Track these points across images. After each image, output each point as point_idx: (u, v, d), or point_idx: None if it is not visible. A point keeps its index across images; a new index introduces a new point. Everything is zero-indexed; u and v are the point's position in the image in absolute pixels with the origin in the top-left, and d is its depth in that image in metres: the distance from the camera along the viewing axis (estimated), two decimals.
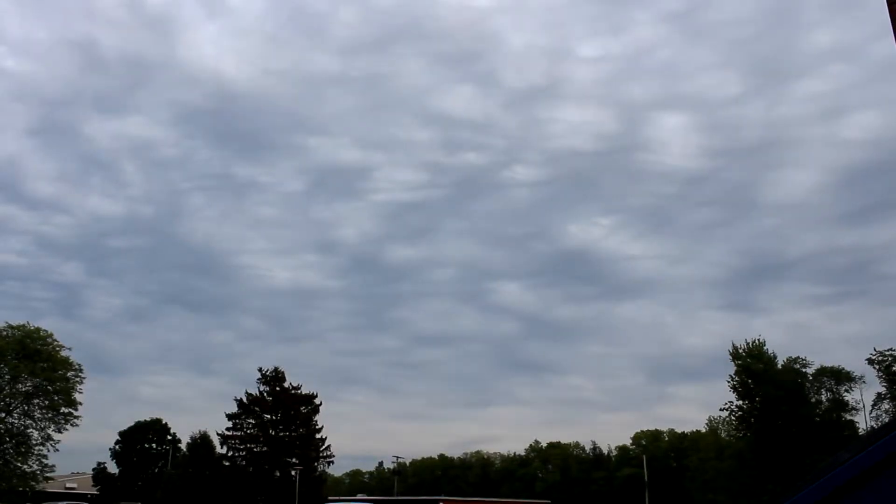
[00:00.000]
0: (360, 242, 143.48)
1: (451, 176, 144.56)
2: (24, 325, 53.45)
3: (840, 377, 63.41)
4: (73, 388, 52.81)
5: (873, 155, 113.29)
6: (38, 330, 53.51)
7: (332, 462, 71.72)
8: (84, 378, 54.17)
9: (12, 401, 52.07)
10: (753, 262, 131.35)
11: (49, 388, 51.99)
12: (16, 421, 52.22)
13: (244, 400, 68.01)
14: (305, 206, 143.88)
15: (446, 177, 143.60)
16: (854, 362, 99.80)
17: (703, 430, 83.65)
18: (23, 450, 51.32)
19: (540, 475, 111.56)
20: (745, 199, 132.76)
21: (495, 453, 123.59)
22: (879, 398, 59.16)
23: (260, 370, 68.94)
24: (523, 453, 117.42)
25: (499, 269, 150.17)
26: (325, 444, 68.92)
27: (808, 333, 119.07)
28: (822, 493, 5.07)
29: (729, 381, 63.48)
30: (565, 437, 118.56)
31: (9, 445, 51.23)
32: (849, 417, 62.61)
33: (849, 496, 4.96)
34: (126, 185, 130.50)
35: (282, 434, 67.31)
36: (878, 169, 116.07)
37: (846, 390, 63.26)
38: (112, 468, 73.63)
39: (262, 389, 68.21)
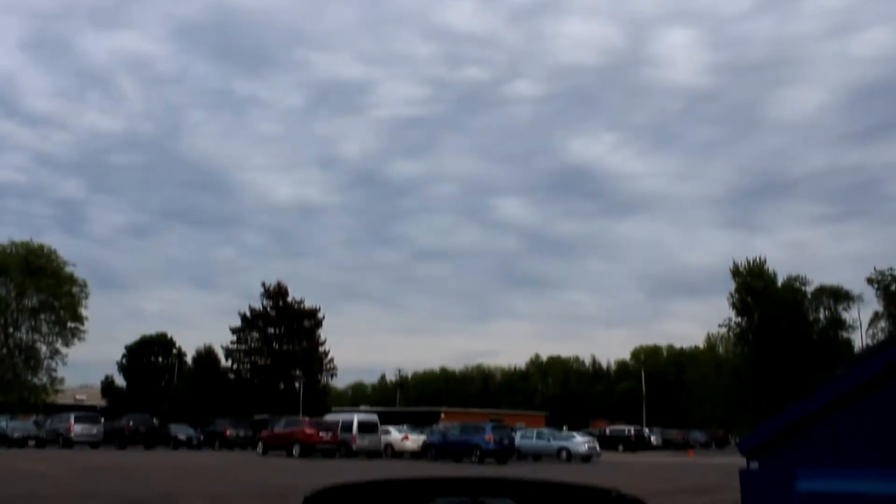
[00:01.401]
0: (362, 158, 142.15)
1: (453, 91, 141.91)
2: (27, 242, 53.68)
3: (839, 296, 63.82)
4: (78, 303, 53.46)
5: (882, 73, 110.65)
6: (41, 247, 53.79)
7: (336, 375, 73.15)
8: (89, 293, 54.76)
9: (19, 316, 52.79)
10: (756, 181, 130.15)
11: (55, 303, 52.61)
12: (24, 336, 53.12)
13: (247, 314, 68.82)
14: (306, 121, 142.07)
15: (448, 92, 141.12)
16: (854, 282, 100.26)
17: (702, 347, 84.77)
18: (32, 363, 52.37)
19: (539, 388, 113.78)
20: (750, 117, 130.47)
21: (496, 366, 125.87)
22: (876, 317, 59.70)
23: (263, 285, 69.55)
24: (523, 367, 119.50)
25: (500, 184, 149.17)
26: (329, 357, 70.13)
27: (809, 252, 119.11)
28: (816, 406, 5.00)
29: (728, 299, 64.07)
30: (565, 352, 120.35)
31: (18, 359, 52.22)
32: (845, 335, 63.37)
33: (843, 410, 4.89)
34: (124, 101, 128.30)
35: (285, 348, 68.36)
36: (886, 88, 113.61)
37: (844, 309, 63.83)
38: (120, 381, 75.11)
39: (265, 304, 68.96)
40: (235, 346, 68.58)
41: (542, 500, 2.84)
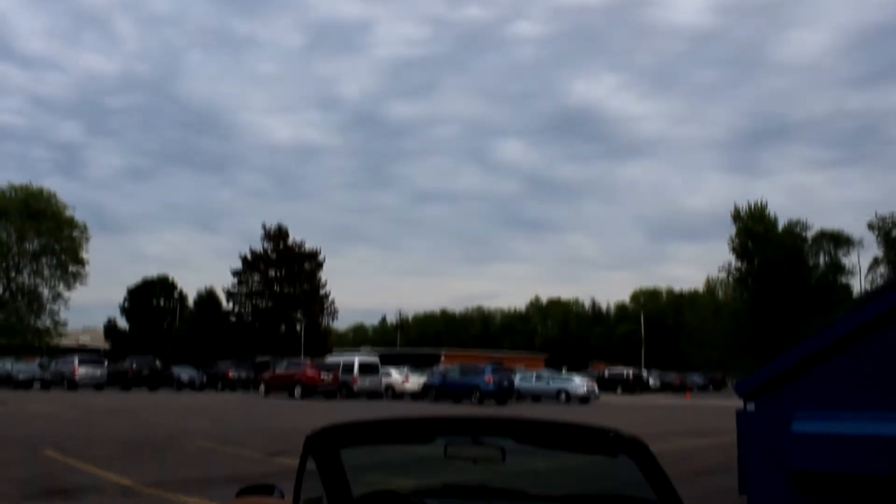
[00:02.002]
0: (361, 99, 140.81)
1: (454, 31, 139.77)
2: (26, 186, 53.52)
3: (839, 241, 63.86)
4: (79, 246, 53.57)
5: (889, 14, 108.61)
6: (40, 190, 53.67)
7: (336, 316, 73.72)
8: (89, 237, 54.83)
9: (21, 260, 52.95)
10: (759, 124, 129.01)
11: (56, 246, 52.72)
12: (26, 279, 53.38)
13: (248, 257, 69.04)
14: (305, 62, 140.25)
15: (449, 31, 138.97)
16: (854, 227, 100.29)
17: (701, 291, 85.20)
18: (35, 307, 52.70)
19: (539, 330, 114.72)
20: (754, 59, 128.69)
21: (496, 309, 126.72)
22: (876, 262, 59.80)
23: (263, 227, 69.62)
24: (523, 309, 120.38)
25: (501, 126, 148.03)
26: (329, 299, 70.58)
27: (811, 197, 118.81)
28: (814, 350, 5.07)
29: (729, 243, 64.19)
30: (565, 294, 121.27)
31: (21, 303, 52.54)
32: (845, 281, 63.60)
33: (841, 353, 4.96)
34: (120, 42, 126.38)
35: (286, 290, 68.72)
36: (893, 30, 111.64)
37: (844, 254, 63.93)
38: (122, 324, 75.75)
39: (265, 246, 69.13)
40: (236, 288, 68.98)
41: (542, 439, 2.87)
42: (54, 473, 10.24)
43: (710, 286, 78.43)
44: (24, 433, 15.23)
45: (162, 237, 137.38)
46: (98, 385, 38.78)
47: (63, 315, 53.61)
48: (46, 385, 39.11)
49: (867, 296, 5.79)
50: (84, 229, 54.14)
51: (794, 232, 63.40)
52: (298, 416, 21.47)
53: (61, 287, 53.41)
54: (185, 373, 45.59)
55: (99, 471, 10.51)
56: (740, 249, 63.42)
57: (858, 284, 60.86)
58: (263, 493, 2.62)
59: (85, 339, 72.59)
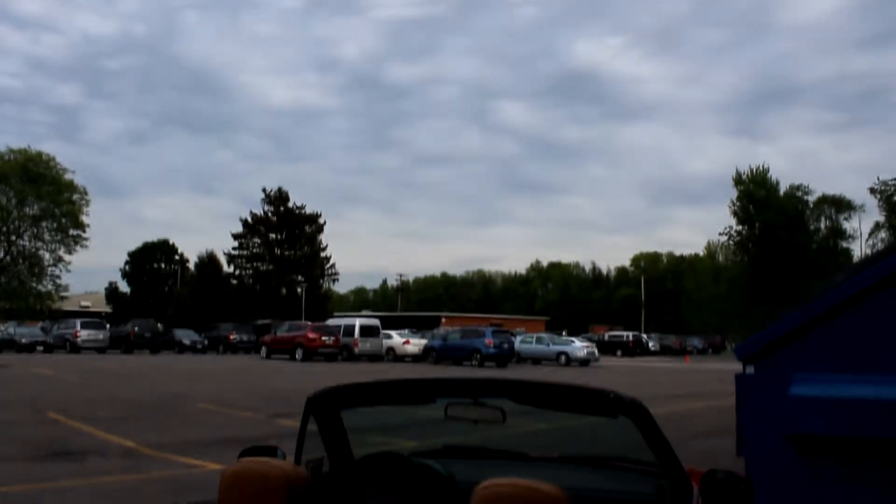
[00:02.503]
0: (361, 61, 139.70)
1: None
2: (25, 150, 53.20)
3: (840, 205, 63.69)
4: (79, 210, 53.37)
5: None
6: (39, 154, 53.33)
7: (337, 280, 73.81)
8: (89, 201, 54.67)
9: (21, 224, 52.85)
10: (763, 87, 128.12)
11: (56, 211, 52.55)
12: (27, 243, 53.29)
13: (249, 220, 68.96)
14: (304, 22, 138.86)
15: None
16: (856, 192, 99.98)
17: (702, 255, 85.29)
18: (36, 271, 52.70)
19: (540, 294, 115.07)
20: (759, 21, 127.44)
21: (496, 272, 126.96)
22: (877, 227, 59.65)
23: (263, 190, 69.44)
24: (524, 272, 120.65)
25: (503, 88, 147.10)
26: (330, 263, 70.61)
27: (814, 161, 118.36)
28: (814, 314, 5.08)
29: (730, 207, 64.00)
30: (565, 258, 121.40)
31: (23, 267, 52.55)
32: (845, 245, 63.55)
33: (840, 317, 4.97)
34: (116, 2, 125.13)
35: (287, 253, 68.74)
36: None
37: (845, 219, 63.78)
38: (123, 287, 75.96)
39: (266, 209, 69.00)
40: (237, 251, 68.99)
41: (542, 401, 2.88)
42: (58, 435, 10.34)
43: (711, 250, 78.52)
44: (28, 396, 15.36)
45: (162, 201, 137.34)
46: (100, 348, 39.00)
47: (64, 279, 53.66)
48: (49, 348, 39.33)
49: (868, 260, 5.78)
50: (84, 193, 53.96)
51: (795, 196, 63.21)
52: (299, 378, 21.61)
53: (62, 251, 53.38)
54: (186, 336, 45.82)
55: (102, 433, 10.61)
56: (741, 213, 63.27)
57: (859, 249, 60.86)
58: (265, 455, 2.64)
59: (87, 303, 72.84)
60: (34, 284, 52.31)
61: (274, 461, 2.38)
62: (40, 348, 39.40)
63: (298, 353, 35.02)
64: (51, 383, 19.11)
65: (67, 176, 53.48)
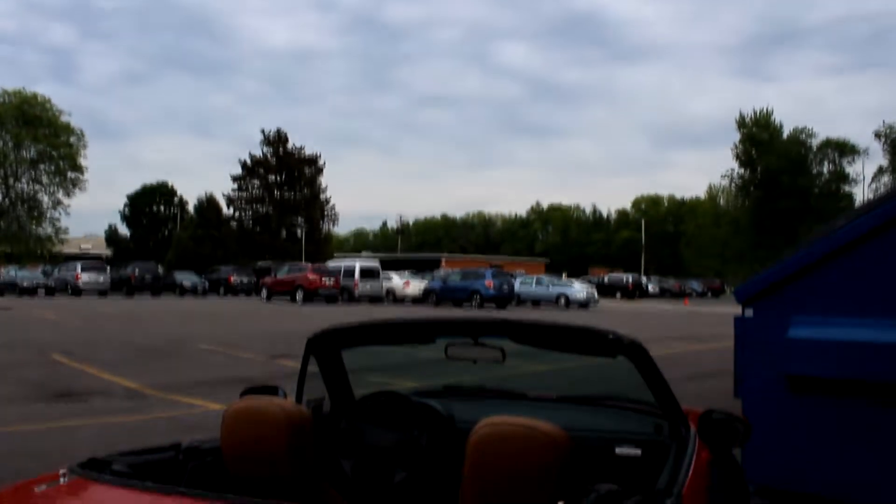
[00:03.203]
0: (360, 0, 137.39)
1: None
2: (20, 91, 52.64)
3: (844, 149, 63.23)
4: (77, 153, 53.17)
5: None
6: (35, 96, 52.81)
7: (337, 222, 73.81)
8: (87, 143, 54.38)
9: (19, 167, 52.65)
10: (769, 28, 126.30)
11: (53, 153, 52.33)
12: (25, 187, 53.25)
13: (248, 162, 68.63)
14: None
15: None
16: (861, 135, 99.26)
17: (703, 198, 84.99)
18: (35, 214, 52.73)
19: (540, 236, 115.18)
20: None
21: (497, 214, 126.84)
22: (880, 171, 59.31)
23: (262, 132, 68.97)
24: (524, 215, 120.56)
25: (504, 29, 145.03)
26: (330, 205, 70.51)
27: (819, 104, 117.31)
28: (814, 257, 5.08)
29: (732, 150, 63.64)
30: (566, 200, 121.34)
31: (22, 210, 52.55)
32: (847, 189, 63.29)
33: (840, 261, 4.98)
34: None
35: (286, 195, 68.59)
36: None
37: (849, 163, 63.39)
38: (123, 231, 75.94)
39: (265, 151, 68.64)
40: (237, 194, 68.84)
41: (542, 341, 2.88)
42: (62, 377, 10.44)
43: (712, 194, 78.21)
44: (32, 338, 15.47)
45: (160, 143, 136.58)
46: (101, 291, 39.18)
47: (64, 222, 53.81)
48: (51, 291, 39.50)
49: (869, 204, 5.75)
50: (81, 136, 53.67)
51: (798, 140, 62.76)
52: (300, 320, 21.76)
53: (61, 194, 53.39)
54: (187, 279, 45.97)
55: (105, 374, 10.71)
56: (744, 157, 62.90)
57: (862, 194, 60.63)
58: (267, 394, 2.65)
59: (87, 246, 72.90)
60: (34, 228, 52.39)
61: (275, 400, 2.39)
62: (42, 291, 39.56)
63: (299, 295, 35.20)
64: (53, 326, 19.24)
65: (64, 118, 53.15)
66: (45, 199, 53.18)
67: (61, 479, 2.00)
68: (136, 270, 42.75)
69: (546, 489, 1.83)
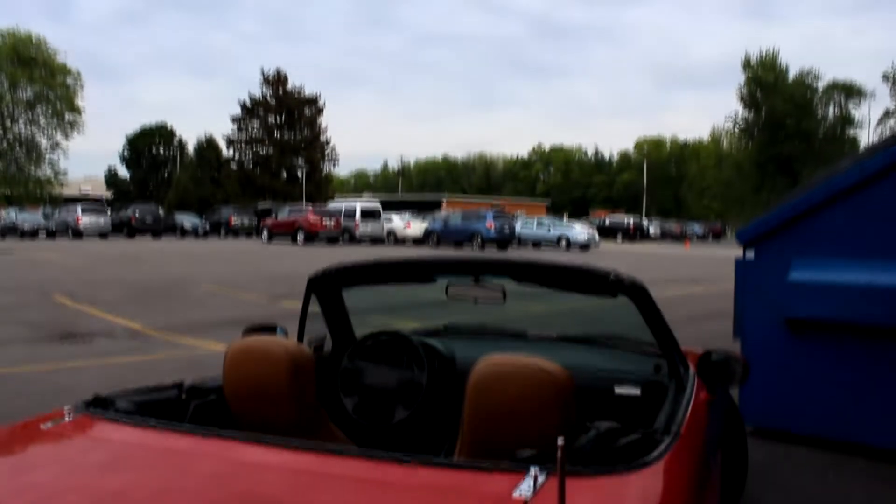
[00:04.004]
0: None
1: None
2: (13, 31, 51.81)
3: (850, 92, 62.46)
4: (74, 94, 52.62)
5: None
6: (29, 36, 51.98)
7: (338, 163, 73.46)
8: (84, 84, 53.76)
9: (16, 109, 52.16)
10: None
11: (50, 95, 51.78)
12: (22, 129, 52.81)
13: (247, 103, 67.99)
14: None
15: None
16: (869, 78, 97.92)
17: (706, 141, 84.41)
18: (34, 156, 52.43)
19: (541, 177, 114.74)
20: None
21: (498, 155, 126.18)
22: (887, 115, 58.65)
23: (262, 72, 68.17)
24: (526, 156, 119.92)
25: None
26: (330, 146, 70.10)
27: (826, 45, 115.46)
28: (816, 200, 5.08)
29: (737, 92, 62.93)
30: (568, 141, 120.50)
31: (20, 152, 52.24)
32: (852, 133, 62.73)
33: (842, 204, 4.98)
34: None
35: (286, 136, 68.14)
36: None
37: (854, 106, 62.70)
38: (123, 172, 75.65)
39: (264, 92, 67.94)
40: (236, 135, 68.38)
41: (542, 280, 2.88)
42: (66, 318, 10.51)
43: (716, 136, 77.63)
44: (34, 280, 15.52)
45: (158, 84, 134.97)
46: (102, 233, 39.20)
47: (63, 164, 53.66)
48: (51, 234, 39.52)
49: (872, 148, 5.69)
50: (78, 76, 53.01)
51: (804, 82, 61.96)
52: (301, 261, 21.80)
53: (59, 136, 52.98)
54: (187, 220, 45.95)
55: (108, 315, 10.77)
56: (748, 99, 62.20)
57: (867, 137, 60.11)
58: (268, 333, 2.67)
59: (86, 189, 72.72)
60: (33, 170, 52.16)
61: (276, 339, 2.40)
62: (42, 234, 39.58)
63: (300, 237, 35.23)
64: (55, 268, 19.29)
65: (59, 58, 52.41)
66: (44, 141, 52.86)
67: (66, 417, 2.03)
68: (137, 212, 42.69)
69: (546, 427, 1.84)
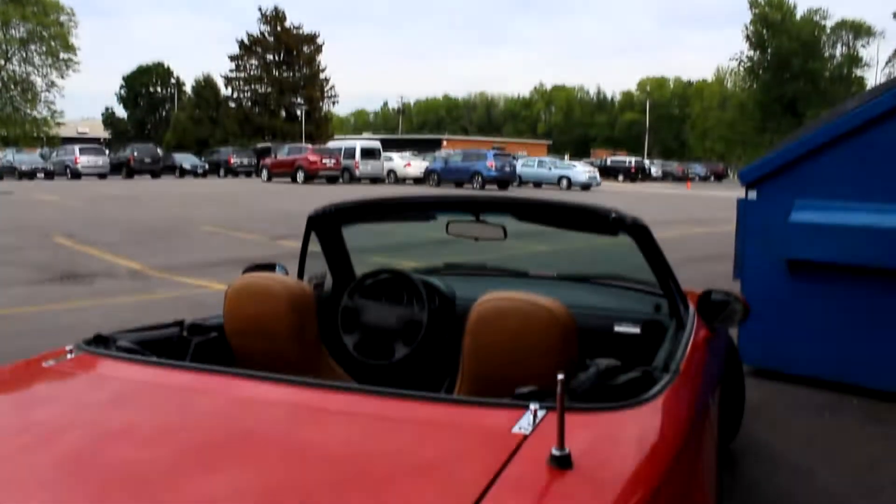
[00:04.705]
0: None
1: None
2: None
3: (859, 31, 61.41)
4: (68, 32, 51.76)
5: None
6: None
7: (337, 102, 72.73)
8: (78, 22, 52.85)
9: (9, 48, 51.36)
10: None
11: (43, 33, 50.92)
12: (17, 68, 52.09)
13: (245, 41, 67.05)
14: None
15: None
16: (879, 17, 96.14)
17: (710, 80, 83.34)
18: (29, 97, 51.82)
19: (543, 117, 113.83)
20: None
21: (499, 94, 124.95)
22: (895, 54, 57.79)
23: (259, 10, 67.08)
24: (527, 95, 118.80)
25: None
26: (330, 85, 69.35)
27: None
28: (821, 141, 5.05)
29: (743, 31, 61.82)
30: (570, 80, 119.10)
31: (15, 92, 51.62)
32: (859, 73, 61.82)
33: (846, 145, 4.95)
34: None
35: (285, 75, 67.37)
36: None
37: (863, 45, 61.70)
38: (120, 112, 74.96)
39: (262, 29, 66.94)
40: (234, 74, 67.58)
41: (543, 218, 2.86)
42: (66, 259, 10.52)
43: (720, 76, 76.61)
44: (33, 221, 15.51)
45: (153, 21, 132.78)
46: (101, 174, 39.00)
47: (59, 104, 53.11)
48: (50, 175, 39.33)
49: (878, 89, 5.60)
50: (71, 14, 52.08)
51: (812, 21, 60.82)
52: (301, 200, 21.74)
53: (54, 76, 52.29)
54: (186, 160, 45.69)
55: (109, 256, 10.79)
56: (754, 38, 61.08)
57: (874, 77, 59.28)
58: (268, 271, 2.66)
59: (84, 129, 72.14)
60: (29, 110, 51.64)
61: (277, 276, 2.40)
62: (41, 175, 39.37)
63: (299, 176, 35.09)
64: (55, 209, 19.25)
65: None
66: (39, 80, 52.19)
67: (68, 355, 2.03)
68: (135, 153, 42.40)
69: (546, 364, 1.85)
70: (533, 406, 1.57)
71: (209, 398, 1.80)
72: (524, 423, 1.52)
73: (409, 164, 39.38)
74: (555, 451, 1.36)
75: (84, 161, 38.71)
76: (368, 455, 1.48)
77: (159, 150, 45.50)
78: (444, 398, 1.89)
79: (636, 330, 2.97)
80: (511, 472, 1.35)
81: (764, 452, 4.02)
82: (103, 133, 71.22)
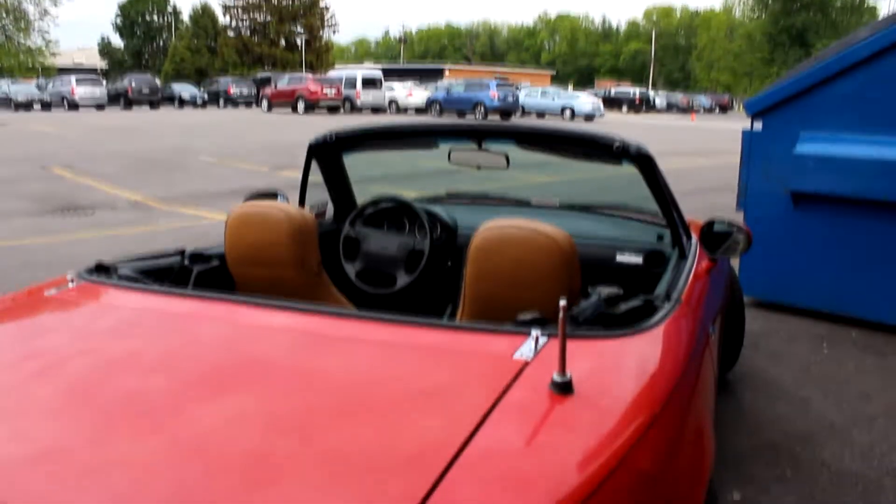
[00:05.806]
0: None
1: None
2: None
3: None
4: None
5: None
6: None
7: (338, 30, 71.47)
8: None
9: None
10: None
11: None
12: None
13: None
14: None
15: None
16: None
17: (718, 10, 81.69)
18: (23, 25, 50.84)
19: (546, 46, 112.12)
20: None
21: (502, 22, 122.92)
22: None
23: None
24: (531, 24, 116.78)
25: None
26: (330, 13, 68.08)
27: None
28: (828, 73, 4.98)
29: None
30: (575, 9, 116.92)
31: (7, 21, 50.63)
32: (871, 2, 60.41)
33: (854, 77, 4.89)
34: None
35: (285, 2, 66.07)
36: None
37: None
38: (117, 42, 73.67)
39: None
40: (232, 1, 66.23)
41: (546, 146, 2.83)
42: (66, 190, 10.49)
43: (728, 5, 75.03)
44: (31, 153, 15.41)
45: None
46: (98, 105, 38.55)
47: (54, 34, 52.23)
48: (46, 106, 38.88)
49: (888, 18, 5.46)
50: None
51: None
52: (302, 130, 21.55)
53: (47, 3, 51.24)
54: (185, 90, 45.13)
55: (109, 187, 10.76)
56: None
57: (887, 6, 58.05)
58: (268, 199, 2.65)
59: (80, 59, 70.98)
60: (22, 40, 50.76)
61: (278, 203, 2.39)
62: (37, 107, 38.93)
63: (300, 106, 34.72)
64: (52, 140, 19.10)
65: None
66: (31, 8, 51.17)
67: (70, 284, 2.03)
68: (133, 83, 41.83)
69: (548, 291, 1.85)
70: (535, 332, 1.57)
71: (213, 325, 1.80)
72: (525, 350, 1.53)
73: (410, 93, 38.91)
74: (556, 377, 1.37)
75: (81, 92, 38.22)
76: (371, 381, 1.49)
77: (157, 80, 44.88)
78: (446, 325, 1.89)
79: (639, 259, 2.97)
80: (512, 397, 1.36)
81: (762, 382, 4.06)
82: (100, 63, 70.14)
